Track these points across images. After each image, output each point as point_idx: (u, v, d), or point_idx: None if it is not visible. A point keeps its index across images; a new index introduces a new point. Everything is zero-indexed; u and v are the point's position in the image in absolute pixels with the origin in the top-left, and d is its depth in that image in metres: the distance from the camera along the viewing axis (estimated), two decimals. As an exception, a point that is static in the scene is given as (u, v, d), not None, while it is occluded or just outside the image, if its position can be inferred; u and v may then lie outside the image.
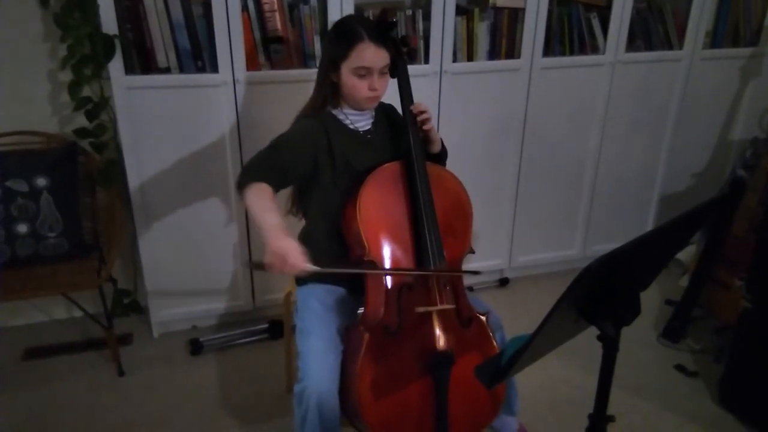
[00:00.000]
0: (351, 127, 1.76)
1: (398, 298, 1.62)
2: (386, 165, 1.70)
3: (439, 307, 1.63)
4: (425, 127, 1.77)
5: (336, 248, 1.75)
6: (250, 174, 1.60)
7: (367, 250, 1.62)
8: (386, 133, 1.82)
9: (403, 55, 1.80)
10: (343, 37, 1.65)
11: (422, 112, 1.75)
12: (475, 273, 1.74)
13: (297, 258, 1.41)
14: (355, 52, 1.62)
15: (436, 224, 1.67)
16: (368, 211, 1.64)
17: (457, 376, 1.59)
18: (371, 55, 1.62)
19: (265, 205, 1.53)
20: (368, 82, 1.66)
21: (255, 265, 1.40)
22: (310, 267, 1.44)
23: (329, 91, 1.72)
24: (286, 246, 1.41)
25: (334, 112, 1.75)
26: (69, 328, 2.67)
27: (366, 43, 1.61)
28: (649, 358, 2.51)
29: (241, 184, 1.59)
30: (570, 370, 2.40)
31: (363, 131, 1.77)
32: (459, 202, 1.78)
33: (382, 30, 1.68)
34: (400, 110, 1.82)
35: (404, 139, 1.74)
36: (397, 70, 1.77)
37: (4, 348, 2.52)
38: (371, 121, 1.80)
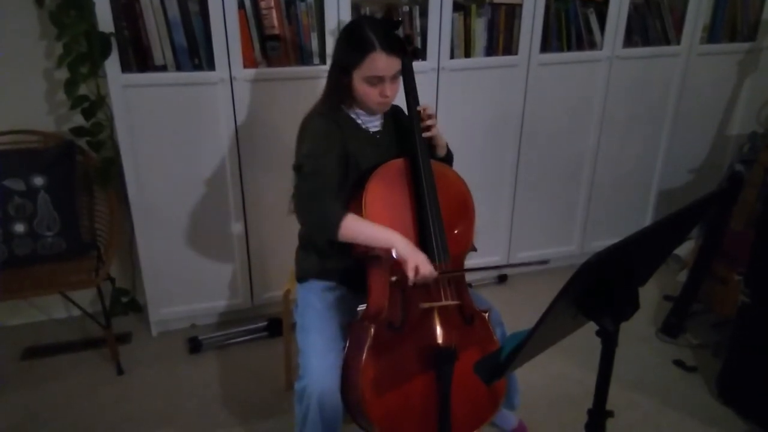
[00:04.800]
0: (363, 126, 1.76)
1: (402, 294, 1.62)
2: (392, 162, 1.71)
3: (444, 303, 1.64)
4: (429, 133, 1.78)
5: (339, 245, 1.74)
6: (329, 212, 1.56)
7: (371, 247, 1.62)
8: (394, 134, 1.83)
9: (409, 53, 1.80)
10: (355, 45, 1.63)
11: (429, 116, 1.77)
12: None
13: (429, 267, 1.54)
14: (368, 61, 1.61)
15: (441, 221, 1.68)
16: (373, 207, 1.64)
17: (460, 372, 1.60)
18: (383, 64, 1.61)
19: (372, 224, 1.59)
20: (380, 89, 1.65)
21: (398, 279, 1.54)
22: (436, 273, 1.56)
23: (343, 93, 1.71)
24: (422, 258, 1.54)
25: (347, 111, 1.75)
26: (68, 327, 2.66)
27: (378, 53, 1.60)
28: (647, 354, 2.52)
29: (334, 226, 1.54)
30: (569, 366, 2.40)
31: (373, 132, 1.78)
32: (462, 199, 1.78)
33: (391, 33, 1.67)
34: (404, 107, 1.82)
35: (410, 136, 1.75)
36: (403, 68, 1.77)
37: (3, 347, 2.52)
38: (381, 122, 1.81)
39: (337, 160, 1.66)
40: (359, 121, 1.76)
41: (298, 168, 1.64)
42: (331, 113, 1.72)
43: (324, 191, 1.59)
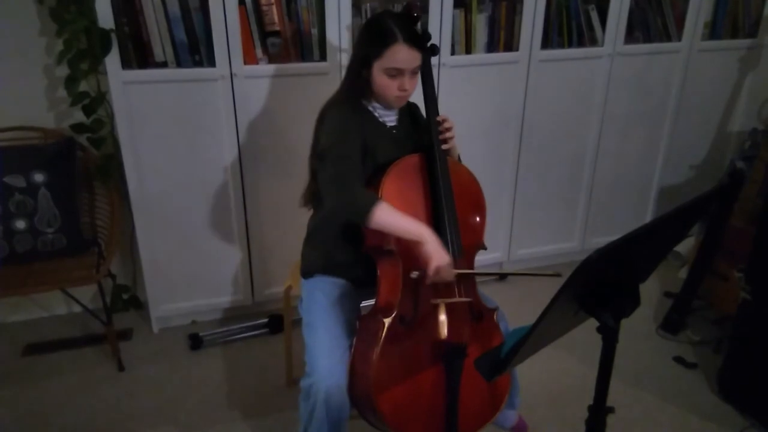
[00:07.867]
0: (380, 120, 1.77)
1: (415, 289, 1.62)
2: (408, 157, 1.71)
3: (456, 299, 1.64)
4: (447, 146, 1.78)
5: (350, 237, 1.74)
6: (362, 195, 1.54)
7: (387, 240, 1.62)
8: (409, 129, 1.83)
9: (427, 49, 1.80)
10: (377, 36, 1.64)
11: (447, 128, 1.77)
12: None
13: (450, 270, 1.52)
14: (390, 52, 1.62)
15: (455, 218, 1.68)
16: (390, 201, 1.63)
17: (468, 369, 1.60)
18: (404, 56, 1.62)
19: (403, 215, 1.54)
20: (399, 82, 1.66)
21: (419, 275, 1.52)
22: (456, 272, 1.56)
23: (362, 86, 1.71)
24: (447, 259, 1.51)
25: (365, 104, 1.76)
26: (69, 323, 2.67)
27: (400, 45, 1.61)
28: (648, 350, 2.52)
29: (368, 209, 1.51)
30: (570, 362, 2.40)
31: (390, 126, 1.78)
32: (476, 196, 1.79)
33: (413, 28, 1.67)
34: (421, 104, 1.82)
35: (425, 133, 1.76)
36: (423, 64, 1.76)
37: (4, 344, 2.52)
38: (396, 117, 1.81)
39: (359, 148, 1.65)
40: (376, 114, 1.76)
41: (322, 155, 1.62)
42: (351, 105, 1.72)
43: (353, 174, 1.58)
